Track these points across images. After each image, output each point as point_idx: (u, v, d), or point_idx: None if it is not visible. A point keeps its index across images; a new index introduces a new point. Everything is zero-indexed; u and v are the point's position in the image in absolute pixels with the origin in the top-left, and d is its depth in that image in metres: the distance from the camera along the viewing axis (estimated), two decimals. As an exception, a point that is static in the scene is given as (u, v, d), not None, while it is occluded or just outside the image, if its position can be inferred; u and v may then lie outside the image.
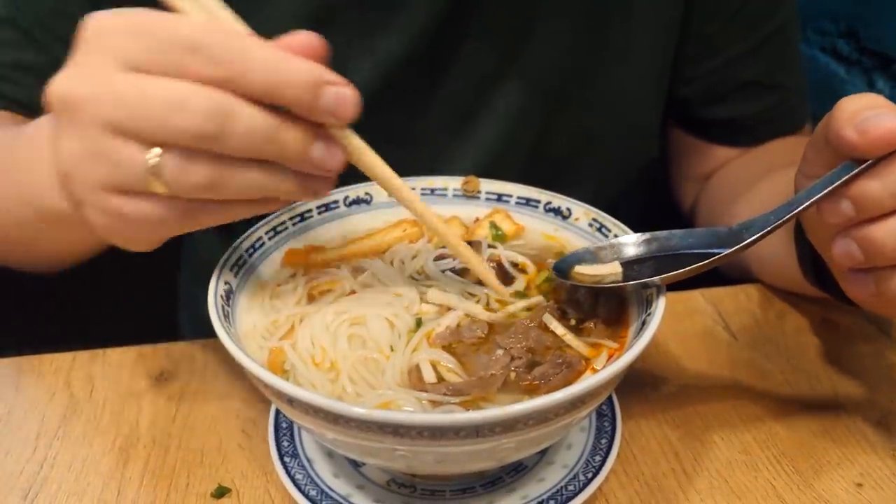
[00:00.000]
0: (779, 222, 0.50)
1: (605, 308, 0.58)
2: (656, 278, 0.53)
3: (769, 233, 0.51)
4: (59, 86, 0.46)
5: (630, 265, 0.57)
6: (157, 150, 0.44)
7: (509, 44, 0.82)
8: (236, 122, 0.43)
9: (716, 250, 0.52)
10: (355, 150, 0.50)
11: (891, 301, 0.50)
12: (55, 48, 0.79)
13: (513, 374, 0.52)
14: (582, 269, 0.57)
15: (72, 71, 0.46)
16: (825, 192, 0.48)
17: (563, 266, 0.59)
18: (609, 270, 0.56)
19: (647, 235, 0.57)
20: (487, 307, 0.59)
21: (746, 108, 0.92)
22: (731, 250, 0.51)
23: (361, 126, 0.82)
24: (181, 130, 0.43)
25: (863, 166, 0.47)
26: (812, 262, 0.64)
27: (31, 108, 0.80)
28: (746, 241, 0.51)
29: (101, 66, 0.44)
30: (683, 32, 0.88)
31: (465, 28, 0.81)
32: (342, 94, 0.45)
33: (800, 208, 0.50)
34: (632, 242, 0.58)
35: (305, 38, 0.46)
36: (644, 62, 0.87)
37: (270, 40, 0.46)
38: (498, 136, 0.85)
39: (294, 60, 0.44)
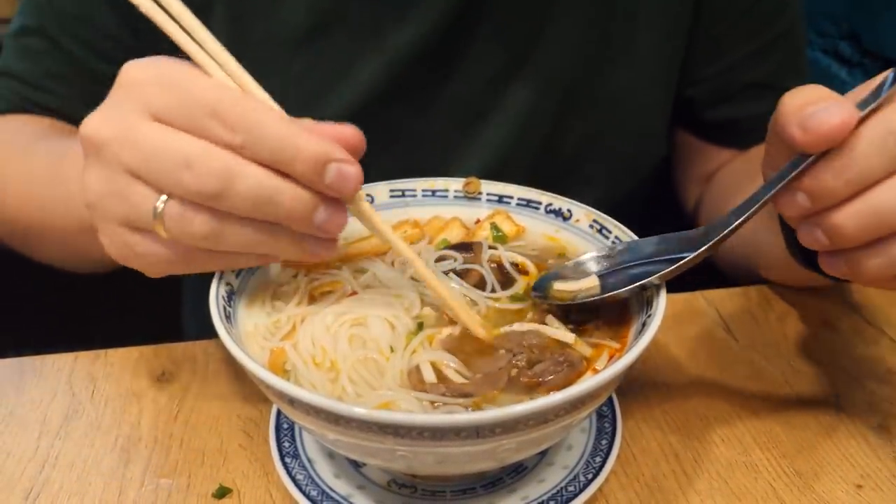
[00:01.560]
0: (739, 221, 0.51)
1: (606, 309, 0.58)
2: (633, 286, 0.54)
3: (732, 232, 0.51)
4: (89, 126, 0.50)
5: (607, 276, 0.58)
6: (164, 198, 0.48)
7: (520, 43, 0.83)
8: (239, 185, 0.46)
9: (685, 254, 0.53)
10: (363, 215, 0.52)
11: (868, 278, 0.51)
12: (81, 55, 0.82)
13: (514, 371, 0.52)
14: (560, 286, 0.58)
15: (102, 113, 0.50)
16: (778, 187, 0.49)
17: (542, 284, 0.59)
18: (587, 285, 0.57)
19: (621, 245, 0.59)
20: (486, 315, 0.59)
21: (751, 109, 0.92)
22: (695, 254, 0.52)
23: (370, 123, 0.82)
24: (185, 186, 0.46)
25: (810, 160, 0.47)
26: (799, 245, 0.64)
27: (63, 115, 0.83)
28: (709, 244, 0.52)
29: (129, 112, 0.48)
30: (691, 33, 0.88)
31: (476, 27, 0.81)
32: (345, 172, 0.47)
33: (758, 205, 0.50)
34: (606, 254, 0.59)
35: (344, 130, 0.49)
36: (653, 61, 0.88)
37: (310, 121, 0.49)
38: (507, 135, 0.85)
39: (305, 136, 0.47)
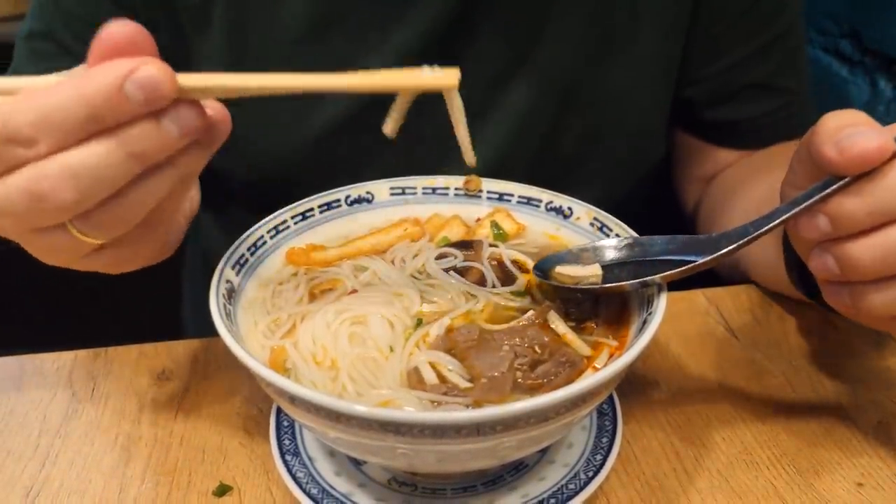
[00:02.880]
0: (756, 233, 0.51)
1: (607, 307, 0.58)
2: (634, 281, 0.54)
3: (746, 244, 0.51)
4: None
5: (611, 268, 0.57)
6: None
7: (520, 42, 0.83)
8: (86, 178, 0.43)
9: (694, 257, 0.53)
10: (202, 87, 0.45)
11: (867, 314, 0.51)
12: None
13: (519, 374, 0.52)
14: (563, 270, 0.58)
15: None
16: (802, 207, 0.48)
17: (544, 266, 0.59)
18: (590, 272, 0.57)
19: (629, 239, 0.58)
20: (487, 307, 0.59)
21: (750, 110, 0.92)
22: (706, 259, 0.52)
23: (371, 124, 0.82)
24: (52, 215, 0.45)
25: (840, 183, 0.47)
26: (799, 269, 0.64)
27: None
28: (722, 252, 0.52)
29: None
30: (690, 32, 0.88)
31: (476, 26, 0.81)
32: (143, 80, 0.42)
33: (777, 221, 0.50)
34: (614, 246, 0.58)
35: (112, 33, 0.43)
36: (652, 61, 0.87)
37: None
38: (507, 134, 0.86)
39: (86, 83, 0.42)
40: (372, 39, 0.80)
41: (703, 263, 0.52)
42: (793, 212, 0.49)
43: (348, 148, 0.84)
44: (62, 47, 0.82)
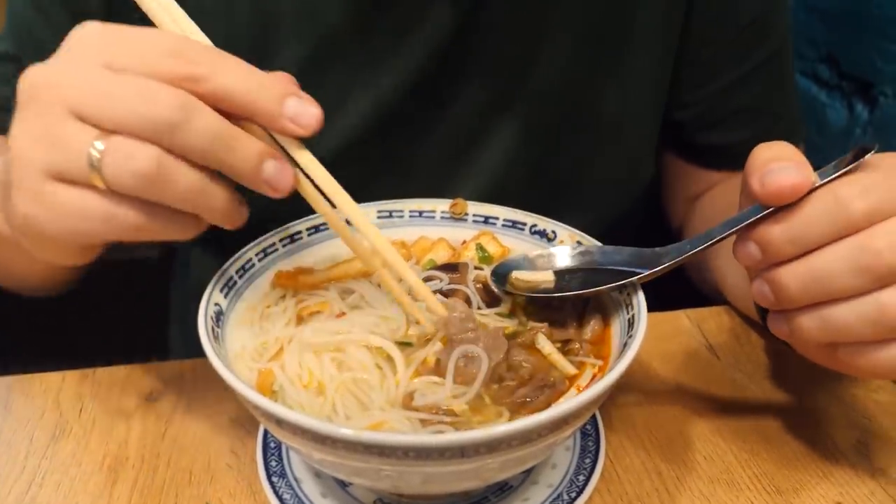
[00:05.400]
0: (693, 251, 0.54)
1: (590, 328, 0.59)
2: (612, 285, 0.56)
3: (684, 260, 0.54)
4: (32, 73, 0.48)
5: (562, 274, 0.60)
6: (107, 139, 0.45)
7: (511, 73, 0.83)
8: (199, 120, 0.46)
9: (637, 270, 0.56)
10: (307, 177, 0.52)
11: (802, 341, 0.53)
12: None
13: (495, 387, 0.53)
14: (519, 275, 0.61)
15: (49, 63, 0.48)
16: (735, 229, 0.51)
17: (500, 271, 0.62)
18: (542, 278, 0.60)
19: (581, 248, 0.61)
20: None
21: (738, 134, 0.93)
22: (646, 273, 0.55)
23: (364, 156, 0.82)
24: (142, 115, 0.45)
25: (766, 212, 0.50)
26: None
27: None
28: (661, 267, 0.55)
29: (80, 61, 0.47)
30: (679, 58, 0.89)
31: (471, 55, 0.81)
32: (306, 105, 0.49)
33: (711, 241, 0.53)
34: (567, 253, 0.61)
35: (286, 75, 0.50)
36: (643, 86, 0.88)
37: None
38: (498, 163, 0.86)
39: (264, 73, 0.48)
40: (364, 76, 0.80)
41: (642, 278, 0.55)
42: (725, 233, 0.52)
43: (342, 182, 0.84)
44: None
